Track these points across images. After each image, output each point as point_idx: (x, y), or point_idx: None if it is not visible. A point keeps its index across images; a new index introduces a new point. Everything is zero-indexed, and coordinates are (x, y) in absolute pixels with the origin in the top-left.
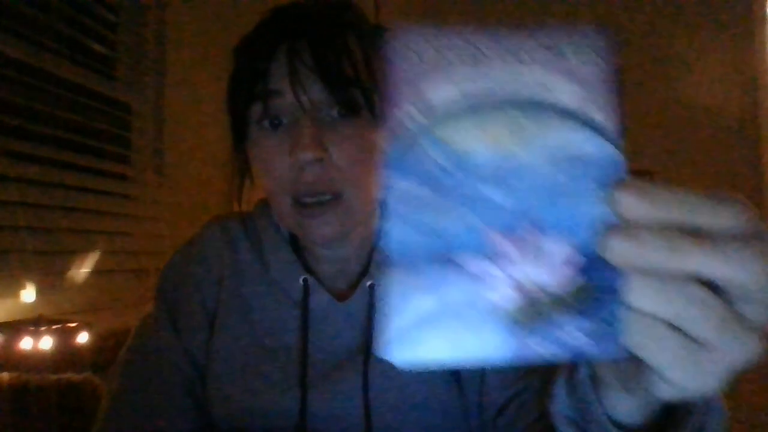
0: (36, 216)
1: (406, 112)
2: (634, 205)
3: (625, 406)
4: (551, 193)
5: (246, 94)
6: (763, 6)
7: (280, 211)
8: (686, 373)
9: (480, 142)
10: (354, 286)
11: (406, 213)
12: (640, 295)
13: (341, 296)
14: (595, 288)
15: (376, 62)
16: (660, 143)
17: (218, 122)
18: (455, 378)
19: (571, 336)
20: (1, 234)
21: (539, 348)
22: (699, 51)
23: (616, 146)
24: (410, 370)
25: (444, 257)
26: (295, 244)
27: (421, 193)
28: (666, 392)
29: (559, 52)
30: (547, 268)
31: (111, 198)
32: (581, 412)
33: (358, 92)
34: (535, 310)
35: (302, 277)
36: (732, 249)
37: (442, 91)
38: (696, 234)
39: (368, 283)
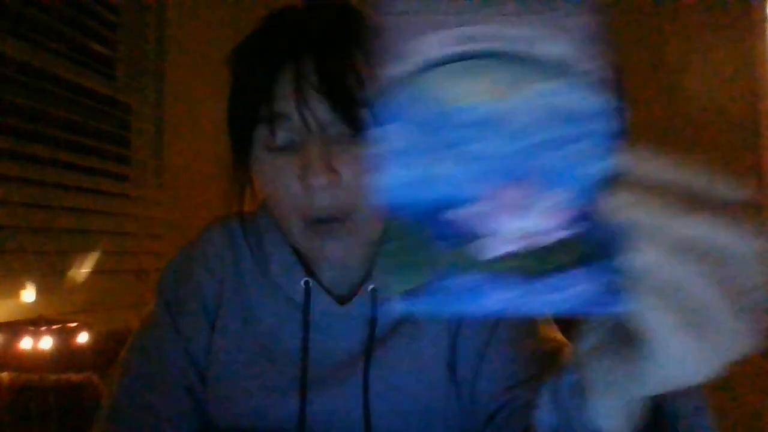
0: (36, 216)
1: (395, 60)
2: (647, 162)
3: (610, 413)
4: (542, 145)
5: (250, 116)
6: (763, 6)
7: (290, 231)
8: (683, 347)
9: (469, 94)
10: (355, 289)
11: (400, 162)
12: (645, 252)
13: (342, 300)
14: (595, 242)
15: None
16: (660, 143)
17: (218, 123)
18: (454, 383)
19: (571, 289)
20: (1, 234)
21: (534, 299)
22: (699, 51)
23: (611, 97)
24: (409, 374)
25: (440, 208)
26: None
27: (414, 143)
28: (656, 379)
29: (550, 8)
30: (541, 220)
31: (111, 198)
32: (565, 420)
33: (366, 110)
34: (529, 263)
35: (303, 280)
36: (739, 219)
37: (429, 44)
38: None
39: (370, 287)
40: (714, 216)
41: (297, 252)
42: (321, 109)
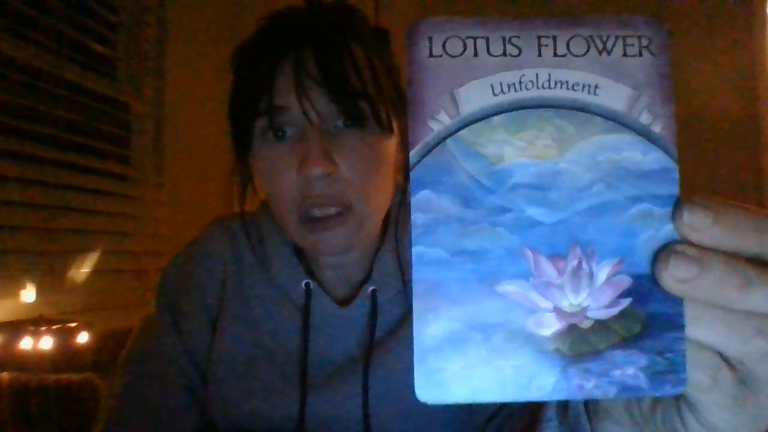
0: (36, 216)
1: (433, 115)
2: (702, 225)
3: None
4: (598, 210)
5: (250, 108)
6: (763, 6)
7: (286, 224)
8: (734, 418)
9: (518, 152)
10: (356, 291)
11: (436, 232)
12: (701, 326)
13: (343, 301)
14: (648, 317)
15: (381, 69)
16: None
17: (218, 123)
18: None
19: (622, 370)
20: (1, 234)
21: (585, 382)
22: (699, 52)
23: (670, 155)
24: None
25: (480, 282)
26: (298, 247)
27: (453, 209)
28: None
29: (605, 47)
30: (594, 293)
31: (111, 198)
32: None
33: (365, 102)
34: (581, 340)
35: (304, 282)
36: None
37: (472, 91)
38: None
39: (370, 288)
40: None
41: (297, 253)
42: (320, 101)
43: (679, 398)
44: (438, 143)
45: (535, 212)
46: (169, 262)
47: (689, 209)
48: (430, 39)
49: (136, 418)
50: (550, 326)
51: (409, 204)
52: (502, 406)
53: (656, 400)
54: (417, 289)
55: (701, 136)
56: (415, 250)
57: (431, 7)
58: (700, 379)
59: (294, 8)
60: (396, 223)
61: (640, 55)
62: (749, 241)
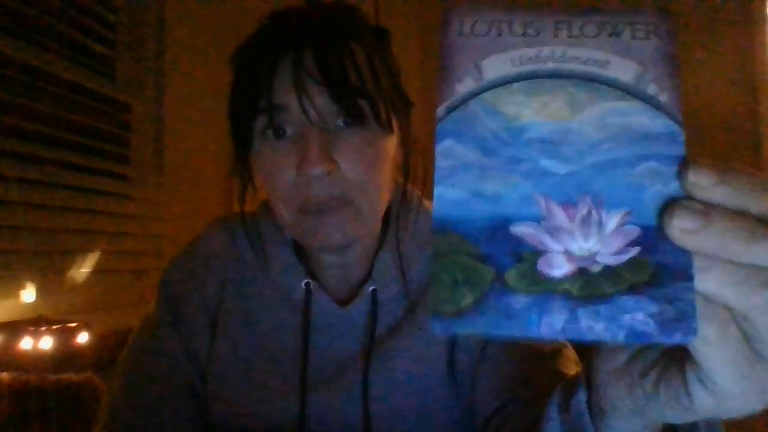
0: (36, 216)
1: (459, 80)
2: (707, 184)
3: None
4: (608, 165)
5: (250, 107)
6: (763, 6)
7: (285, 221)
8: (741, 382)
9: (534, 112)
10: (356, 291)
11: (459, 177)
12: (709, 278)
13: (343, 301)
14: (656, 266)
15: (381, 68)
16: None
17: (218, 123)
18: (453, 383)
19: (631, 314)
20: (1, 234)
21: (594, 324)
22: (699, 51)
23: (677, 121)
24: (409, 375)
25: (497, 224)
26: (298, 246)
27: (473, 157)
28: (705, 409)
29: (616, 30)
30: (604, 239)
31: (111, 198)
32: None
33: (364, 101)
34: (591, 284)
35: (304, 281)
36: None
37: (495, 62)
38: None
39: (370, 288)
40: None
41: (298, 253)
42: (320, 100)
43: (684, 366)
44: (462, 102)
45: (547, 163)
46: (170, 261)
47: (694, 169)
48: (461, 21)
49: (136, 418)
50: (560, 268)
51: (413, 210)
52: (502, 407)
53: (659, 377)
54: (437, 225)
55: (701, 135)
56: (437, 190)
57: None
58: (709, 331)
59: (294, 8)
60: (396, 222)
61: (648, 38)
62: (753, 201)
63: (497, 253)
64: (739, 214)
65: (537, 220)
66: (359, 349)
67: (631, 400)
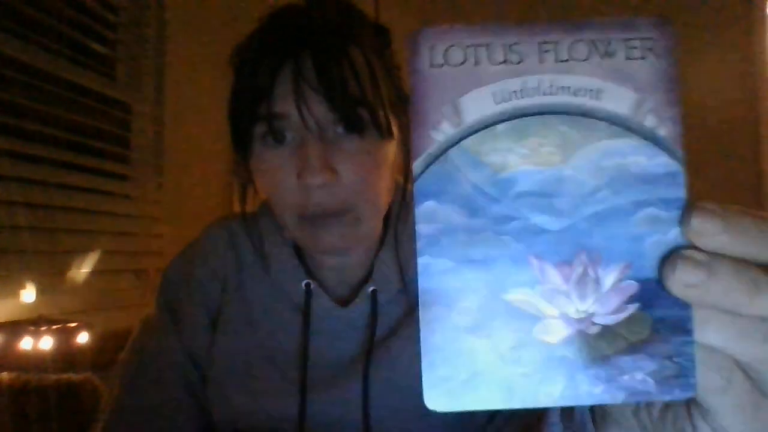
0: (36, 216)
1: (435, 126)
2: (711, 232)
3: None
4: (604, 216)
5: (249, 113)
6: (763, 6)
7: (286, 225)
8: (748, 424)
9: (521, 159)
10: (356, 291)
11: (442, 242)
12: (710, 330)
13: (343, 301)
14: (655, 321)
15: (380, 72)
16: None
17: (218, 122)
18: None
19: (630, 375)
20: (1, 234)
21: (594, 388)
22: (699, 51)
23: (677, 158)
24: (408, 375)
25: (486, 290)
26: (298, 247)
27: (458, 219)
28: None
29: (609, 50)
30: (601, 299)
31: (111, 198)
32: None
33: (364, 109)
34: (588, 347)
35: (304, 282)
36: None
37: (475, 100)
38: None
39: (370, 289)
40: None
41: (298, 253)
42: (319, 109)
43: (690, 404)
44: (441, 153)
45: (540, 220)
46: (170, 262)
47: (698, 215)
48: (431, 48)
49: (136, 418)
50: (557, 333)
51: (412, 212)
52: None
53: (667, 406)
54: (423, 298)
55: (701, 136)
56: (421, 260)
57: (430, 6)
58: (713, 382)
59: (294, 7)
60: (396, 223)
61: (644, 58)
62: (759, 249)
63: (491, 323)
64: (743, 264)
65: (531, 283)
66: (359, 349)
67: (636, 422)
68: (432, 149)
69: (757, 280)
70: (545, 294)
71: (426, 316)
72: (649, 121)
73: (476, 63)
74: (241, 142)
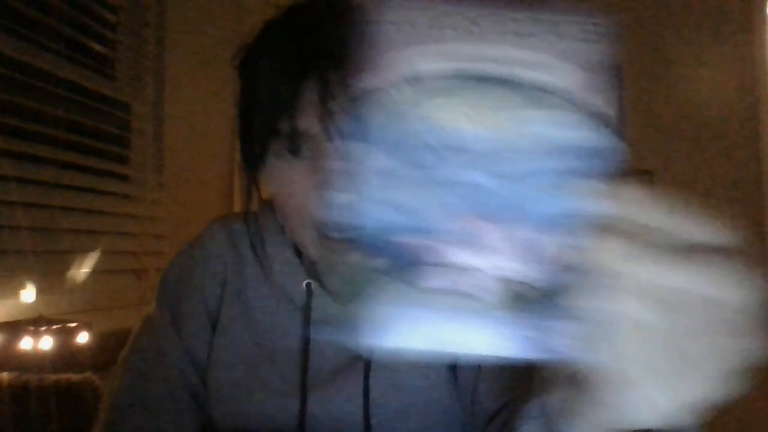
0: (36, 216)
1: (393, 82)
2: (634, 206)
3: None
4: (533, 177)
5: (267, 128)
6: (763, 6)
7: (302, 241)
8: (663, 388)
9: (468, 121)
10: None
11: (383, 189)
12: (617, 300)
13: (343, 301)
14: (577, 286)
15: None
16: (660, 143)
17: (218, 122)
18: (454, 384)
19: (550, 335)
20: (1, 234)
21: (515, 344)
22: (699, 51)
23: (614, 133)
24: (409, 375)
25: (420, 240)
26: (298, 247)
27: (401, 170)
28: (627, 418)
29: (558, 32)
30: (529, 259)
31: (111, 198)
32: None
33: None
34: (513, 304)
35: (305, 282)
36: (723, 268)
37: (432, 64)
38: (688, 248)
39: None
40: (696, 265)
41: (299, 253)
42: (346, 126)
43: (608, 393)
44: (395, 108)
45: (474, 176)
46: (170, 262)
47: (624, 190)
48: (399, 12)
49: (136, 419)
50: (480, 286)
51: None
52: (504, 408)
53: (608, 386)
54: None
55: (701, 136)
56: (362, 205)
57: None
58: (627, 350)
59: (305, 10)
60: None
61: (594, 41)
62: (670, 224)
63: (422, 271)
64: (663, 238)
65: (462, 236)
66: (359, 349)
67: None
68: (378, 93)
69: (673, 253)
70: (474, 248)
71: (357, 258)
72: (593, 99)
73: (434, 26)
74: (255, 158)
